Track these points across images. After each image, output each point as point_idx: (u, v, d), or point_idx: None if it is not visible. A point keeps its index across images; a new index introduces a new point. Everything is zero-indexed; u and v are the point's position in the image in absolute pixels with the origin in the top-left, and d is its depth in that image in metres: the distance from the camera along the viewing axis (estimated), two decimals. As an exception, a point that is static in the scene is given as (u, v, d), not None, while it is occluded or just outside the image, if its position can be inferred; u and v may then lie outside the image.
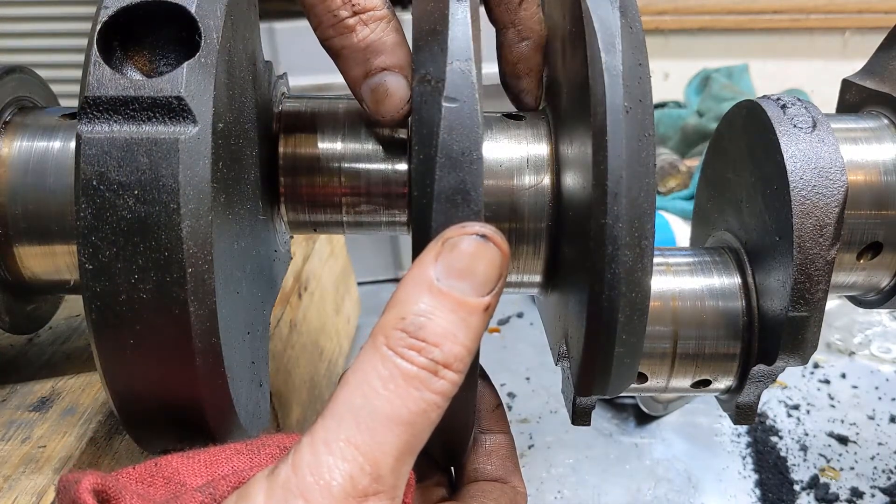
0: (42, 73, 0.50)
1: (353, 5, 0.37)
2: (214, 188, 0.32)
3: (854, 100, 0.49)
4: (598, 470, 0.76)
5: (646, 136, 0.34)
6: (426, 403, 0.29)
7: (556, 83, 0.42)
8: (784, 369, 0.43)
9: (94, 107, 0.32)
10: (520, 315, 1.04)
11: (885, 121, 0.45)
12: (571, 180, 0.38)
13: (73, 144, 0.38)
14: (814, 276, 0.39)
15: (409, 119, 0.39)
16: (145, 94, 0.32)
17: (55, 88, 0.51)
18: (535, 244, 0.41)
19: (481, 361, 0.42)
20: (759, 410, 0.83)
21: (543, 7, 0.47)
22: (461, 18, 0.37)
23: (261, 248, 0.41)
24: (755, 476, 0.74)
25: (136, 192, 0.32)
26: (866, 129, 0.45)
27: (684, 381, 0.45)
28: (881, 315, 1.00)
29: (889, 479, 0.73)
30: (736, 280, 0.44)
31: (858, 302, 0.50)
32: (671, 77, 1.95)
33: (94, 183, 0.32)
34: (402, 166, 0.40)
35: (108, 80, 0.33)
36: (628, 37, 0.35)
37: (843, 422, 0.81)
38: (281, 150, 0.41)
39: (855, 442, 0.78)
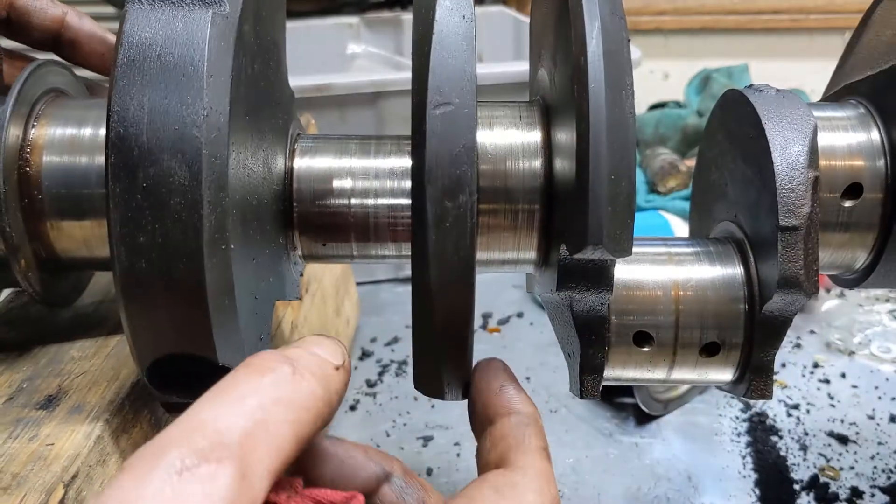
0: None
1: None
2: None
3: (833, 98, 0.53)
4: (598, 470, 0.76)
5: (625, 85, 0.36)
6: None
7: (550, 74, 0.43)
8: (790, 313, 0.43)
9: None
10: (520, 315, 1.04)
11: (862, 109, 0.49)
12: (562, 163, 0.39)
13: (101, 131, 0.45)
14: (797, 190, 0.42)
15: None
16: None
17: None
18: (529, 223, 0.42)
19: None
20: (758, 410, 0.83)
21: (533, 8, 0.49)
22: (458, 19, 0.38)
23: (272, 279, 0.43)
24: (755, 475, 0.75)
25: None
26: (843, 117, 0.48)
27: (691, 348, 0.46)
28: (881, 315, 1.00)
29: (889, 478, 0.73)
30: (732, 245, 0.47)
31: (843, 282, 0.53)
32: (671, 77, 1.95)
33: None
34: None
35: None
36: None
37: (843, 421, 0.82)
38: (295, 186, 0.43)
39: (855, 442, 0.79)
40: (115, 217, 0.33)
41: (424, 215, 0.36)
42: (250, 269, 0.38)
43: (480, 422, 0.40)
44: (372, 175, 0.43)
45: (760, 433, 0.80)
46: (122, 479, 0.25)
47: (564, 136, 0.38)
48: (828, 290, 1.05)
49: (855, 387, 0.88)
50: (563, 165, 0.39)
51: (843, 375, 0.90)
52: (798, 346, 0.95)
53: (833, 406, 0.85)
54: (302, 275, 0.48)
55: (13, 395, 0.45)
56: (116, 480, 0.25)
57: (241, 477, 0.26)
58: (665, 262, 0.46)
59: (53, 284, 0.50)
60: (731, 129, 0.48)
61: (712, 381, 0.47)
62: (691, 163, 1.32)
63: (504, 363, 0.43)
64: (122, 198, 0.33)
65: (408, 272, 0.52)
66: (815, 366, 0.92)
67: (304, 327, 0.76)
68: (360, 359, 0.96)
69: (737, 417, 0.83)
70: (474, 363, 0.42)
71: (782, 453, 0.77)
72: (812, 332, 0.98)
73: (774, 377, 0.47)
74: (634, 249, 0.37)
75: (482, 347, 0.96)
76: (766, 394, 0.45)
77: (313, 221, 0.44)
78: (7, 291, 0.56)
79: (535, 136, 0.42)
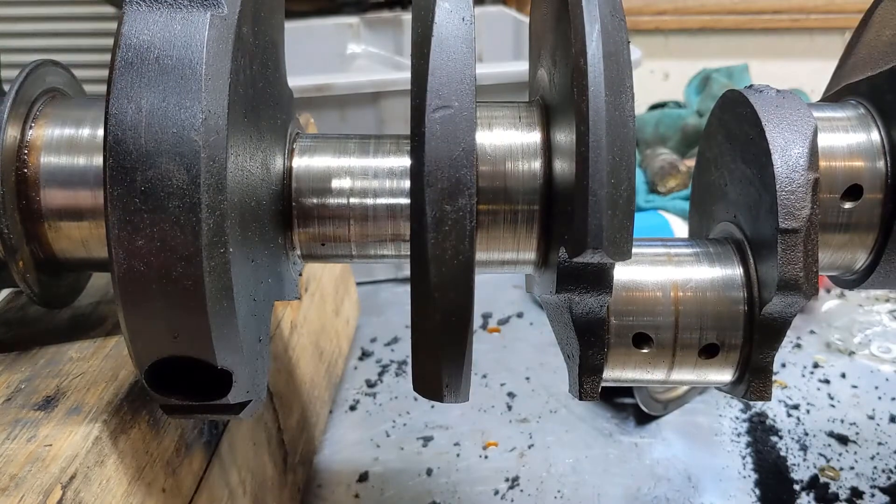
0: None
1: None
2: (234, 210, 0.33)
3: (833, 98, 0.53)
4: (598, 470, 0.76)
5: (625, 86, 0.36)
6: None
7: (549, 74, 0.43)
8: (790, 315, 0.43)
9: None
10: (520, 315, 1.04)
11: (862, 109, 0.49)
12: (562, 164, 0.39)
13: (99, 132, 0.44)
14: (797, 192, 0.42)
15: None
16: None
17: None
18: (529, 224, 0.42)
19: (481, 362, 0.42)
20: (758, 410, 0.83)
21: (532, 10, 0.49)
22: (458, 21, 0.38)
23: (270, 280, 0.43)
24: (755, 476, 0.75)
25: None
26: (842, 117, 0.48)
27: (691, 350, 0.45)
28: (881, 315, 1.00)
29: (889, 479, 0.73)
30: (731, 246, 0.47)
31: (843, 283, 0.53)
32: (671, 77, 1.95)
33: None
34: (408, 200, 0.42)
35: None
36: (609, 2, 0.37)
37: (843, 422, 0.82)
38: (294, 185, 0.43)
39: (855, 442, 0.79)
40: (114, 220, 0.33)
41: (423, 218, 0.36)
42: (249, 270, 0.38)
43: None
44: (371, 174, 0.43)
45: (760, 433, 0.80)
46: None
47: (564, 138, 0.38)
48: (828, 291, 1.05)
49: (855, 387, 0.88)
50: (563, 167, 0.38)
51: (843, 375, 0.90)
52: (798, 346, 0.95)
53: (833, 406, 0.84)
54: (301, 274, 0.48)
55: (11, 396, 0.45)
56: None
57: None
58: (664, 263, 0.46)
59: (51, 285, 0.50)
60: (730, 130, 0.48)
61: (711, 382, 0.47)
62: (691, 163, 1.32)
63: None
64: (121, 201, 0.33)
65: (407, 272, 0.52)
66: (815, 366, 0.92)
67: (304, 327, 0.76)
68: (360, 359, 0.96)
69: (737, 418, 0.83)
70: (474, 363, 0.42)
71: (782, 453, 0.77)
72: (812, 332, 0.98)
73: (774, 377, 0.47)
74: (634, 250, 0.37)
75: (482, 347, 0.96)
76: (766, 395, 0.45)
77: (312, 221, 0.44)
78: (5, 292, 0.56)
79: (534, 137, 0.42)
